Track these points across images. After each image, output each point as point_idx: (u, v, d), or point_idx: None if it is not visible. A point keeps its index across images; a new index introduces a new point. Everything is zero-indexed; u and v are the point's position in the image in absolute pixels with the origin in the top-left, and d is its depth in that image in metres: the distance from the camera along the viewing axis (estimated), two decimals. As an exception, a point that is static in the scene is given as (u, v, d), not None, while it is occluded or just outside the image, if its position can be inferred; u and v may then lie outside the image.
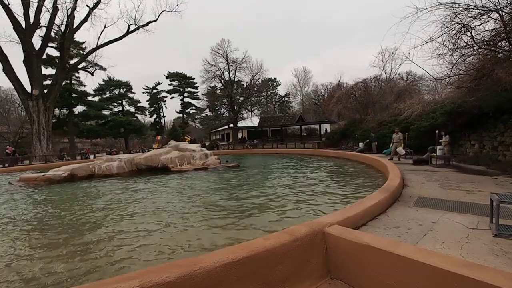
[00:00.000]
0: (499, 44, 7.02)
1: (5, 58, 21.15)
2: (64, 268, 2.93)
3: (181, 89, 54.06)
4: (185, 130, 49.27)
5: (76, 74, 38.29)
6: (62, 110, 38.73)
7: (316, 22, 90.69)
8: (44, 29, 23.05)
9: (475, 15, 6.72)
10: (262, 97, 60.09)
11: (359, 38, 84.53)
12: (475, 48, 7.29)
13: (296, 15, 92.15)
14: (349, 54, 79.73)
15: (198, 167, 11.88)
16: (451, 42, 7.28)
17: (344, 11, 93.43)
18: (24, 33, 21.47)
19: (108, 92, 45.25)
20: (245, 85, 42.75)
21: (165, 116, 57.64)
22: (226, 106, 47.11)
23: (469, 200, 4.20)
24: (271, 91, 61.71)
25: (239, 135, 40.19)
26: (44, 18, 22.81)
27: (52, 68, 33.17)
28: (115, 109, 46.24)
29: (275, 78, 59.87)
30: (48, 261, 3.15)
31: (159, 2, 67.72)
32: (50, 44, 26.84)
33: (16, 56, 22.98)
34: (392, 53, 22.40)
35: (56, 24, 22.96)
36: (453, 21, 6.89)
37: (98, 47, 26.22)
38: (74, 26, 23.99)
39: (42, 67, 25.20)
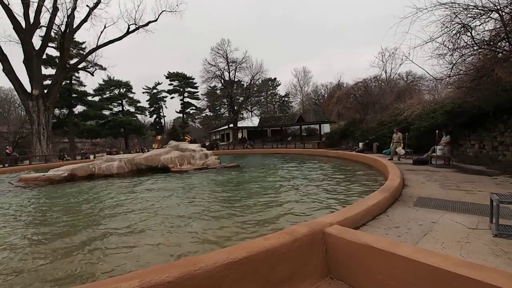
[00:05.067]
0: (499, 44, 7.01)
1: (5, 58, 21.14)
2: (63, 268, 2.93)
3: (181, 89, 54.07)
4: (185, 130, 49.25)
5: (76, 74, 38.27)
6: (62, 110, 38.73)
7: (317, 23, 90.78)
8: (44, 29, 23.07)
9: (475, 15, 6.71)
10: (262, 97, 60.17)
11: (359, 39, 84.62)
12: (475, 48, 7.27)
13: (297, 15, 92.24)
14: (349, 55, 79.85)
15: (198, 167, 11.88)
16: (451, 42, 7.27)
17: (344, 12, 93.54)
18: (24, 33, 21.46)
19: (108, 92, 45.23)
20: (245, 85, 42.79)
21: (165, 116, 57.77)
22: (226, 106, 47.19)
23: (469, 200, 4.19)
24: (271, 91, 61.75)
25: (239, 135, 40.18)
26: (44, 18, 22.85)
27: (52, 68, 33.15)
28: (115, 109, 46.24)
29: (275, 78, 59.98)
30: (47, 260, 3.15)
31: (159, 2, 67.58)
32: (50, 44, 26.85)
33: (16, 56, 23.02)
34: (392, 53, 22.49)
35: (56, 24, 22.99)
36: (453, 21, 6.88)
37: (98, 47, 26.22)
38: (74, 26, 23.99)
39: (42, 67, 25.19)
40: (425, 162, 8.96)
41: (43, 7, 21.91)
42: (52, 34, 24.36)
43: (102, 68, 34.04)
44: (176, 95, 54.66)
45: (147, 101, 54.34)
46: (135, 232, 4.00)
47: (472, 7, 6.62)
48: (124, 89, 46.46)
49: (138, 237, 3.76)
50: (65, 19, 22.86)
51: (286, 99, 62.27)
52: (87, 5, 24.05)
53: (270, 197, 5.85)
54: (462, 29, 6.93)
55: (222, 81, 40.37)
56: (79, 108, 41.18)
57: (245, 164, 13.97)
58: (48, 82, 28.18)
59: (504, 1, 6.34)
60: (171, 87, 53.91)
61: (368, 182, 6.95)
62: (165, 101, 56.27)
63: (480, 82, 7.74)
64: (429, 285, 1.66)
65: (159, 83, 54.63)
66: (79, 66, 29.90)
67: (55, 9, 22.30)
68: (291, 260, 2.08)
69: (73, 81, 38.90)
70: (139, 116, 50.17)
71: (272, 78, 58.89)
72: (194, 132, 55.34)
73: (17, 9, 21.62)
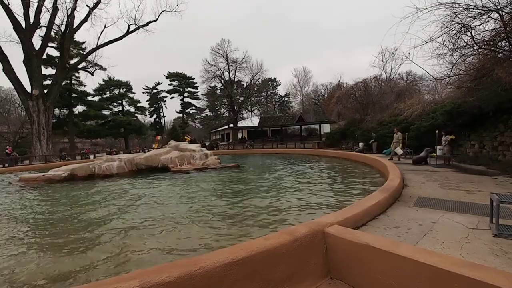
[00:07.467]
0: (499, 44, 7.00)
1: (5, 58, 21.14)
2: (62, 268, 2.93)
3: (181, 89, 54.07)
4: (185, 130, 49.22)
5: (76, 74, 38.27)
6: (62, 110, 38.72)
7: (317, 24, 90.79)
8: (44, 29, 23.08)
9: (475, 15, 6.70)
10: (262, 97, 60.19)
11: (359, 39, 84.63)
12: (475, 48, 7.27)
13: (297, 16, 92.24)
14: (348, 55, 79.85)
15: (198, 167, 11.87)
16: (451, 42, 7.26)
17: (344, 13, 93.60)
18: (24, 33, 21.46)
19: (108, 92, 45.20)
20: (245, 85, 42.82)
21: (165, 116, 57.75)
22: (226, 106, 47.20)
23: (469, 200, 4.20)
24: (271, 91, 61.74)
25: (239, 135, 40.19)
26: (44, 18, 22.86)
27: (52, 68, 33.15)
28: (115, 109, 46.21)
29: (275, 78, 59.99)
30: (46, 260, 3.15)
31: (159, 2, 67.74)
32: (50, 44, 26.84)
33: (16, 56, 23.01)
34: (392, 53, 22.43)
35: (56, 24, 23.02)
36: (453, 21, 6.88)
37: (98, 47, 26.24)
38: (74, 26, 24.01)
39: (42, 67, 25.18)
40: (423, 159, 9.00)
41: (43, 7, 21.95)
42: (52, 34, 24.35)
43: (102, 68, 34.11)
44: (176, 95, 54.66)
45: (147, 101, 54.37)
46: (134, 232, 4.00)
47: (472, 7, 6.61)
48: (124, 89, 46.44)
49: (138, 238, 3.76)
50: (65, 19, 22.92)
51: (286, 99, 62.25)
52: (87, 5, 24.11)
53: (271, 197, 5.84)
54: (462, 29, 6.92)
55: (222, 81, 40.38)
56: (79, 108, 41.24)
57: (245, 164, 13.96)
58: (48, 82, 28.19)
59: (504, 1, 6.34)
60: (171, 87, 53.93)
61: (368, 182, 6.95)
62: (165, 101, 56.39)
63: (480, 82, 7.74)
64: (429, 285, 1.66)
65: (159, 83, 54.68)
66: (79, 66, 29.93)
67: (55, 9, 22.31)
68: (291, 260, 2.08)
69: (73, 81, 38.87)
70: (139, 116, 50.25)
71: (272, 78, 58.95)
72: (194, 132, 55.31)
73: (17, 9, 21.67)
